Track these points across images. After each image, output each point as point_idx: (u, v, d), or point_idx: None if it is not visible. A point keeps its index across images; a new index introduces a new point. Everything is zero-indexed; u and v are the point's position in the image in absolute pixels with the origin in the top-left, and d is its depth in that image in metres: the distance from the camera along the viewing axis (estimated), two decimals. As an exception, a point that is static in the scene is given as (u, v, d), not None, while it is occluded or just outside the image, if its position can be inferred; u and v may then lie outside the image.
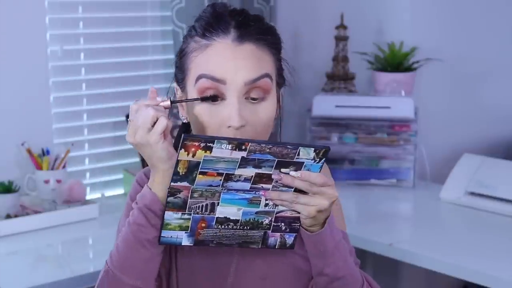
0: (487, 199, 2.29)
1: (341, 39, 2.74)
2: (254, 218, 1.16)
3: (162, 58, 2.54)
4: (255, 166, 1.10)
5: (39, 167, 2.23)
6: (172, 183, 1.10)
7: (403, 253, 2.01)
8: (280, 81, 1.26)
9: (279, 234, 1.18)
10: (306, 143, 1.15)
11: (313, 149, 1.10)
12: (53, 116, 2.34)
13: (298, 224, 1.18)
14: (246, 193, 1.13)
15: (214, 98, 1.17)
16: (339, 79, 2.74)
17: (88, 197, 2.32)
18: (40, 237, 2.05)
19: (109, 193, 2.44)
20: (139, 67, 2.51)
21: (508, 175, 2.32)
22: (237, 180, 1.11)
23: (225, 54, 1.18)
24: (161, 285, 1.25)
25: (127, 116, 2.45)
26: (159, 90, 1.22)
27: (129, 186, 2.27)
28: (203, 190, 1.11)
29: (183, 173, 1.09)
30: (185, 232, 1.14)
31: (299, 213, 1.16)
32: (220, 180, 1.10)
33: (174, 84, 1.27)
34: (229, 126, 1.16)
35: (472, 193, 2.33)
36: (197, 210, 1.13)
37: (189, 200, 1.12)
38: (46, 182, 2.22)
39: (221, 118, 1.17)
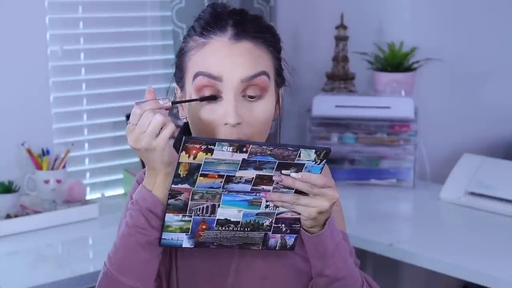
0: (487, 199, 2.29)
1: (341, 39, 2.74)
2: (255, 220, 1.16)
3: (162, 58, 2.54)
4: (256, 168, 1.10)
5: (39, 167, 2.23)
6: (172, 185, 1.10)
7: (403, 253, 2.01)
8: (279, 81, 1.26)
9: (279, 235, 1.18)
10: (307, 145, 1.15)
11: (314, 150, 1.10)
12: (53, 116, 2.34)
13: (299, 225, 1.18)
14: (246, 195, 1.13)
15: (213, 97, 1.18)
16: (339, 79, 2.74)
17: (88, 197, 2.32)
18: (40, 237, 2.05)
19: (109, 193, 2.44)
20: (139, 67, 2.51)
21: (508, 175, 2.32)
22: (238, 182, 1.11)
23: (222, 51, 1.18)
24: (161, 286, 1.25)
25: (127, 116, 2.46)
26: (159, 90, 1.23)
27: (129, 186, 2.27)
28: (204, 192, 1.11)
29: (184, 175, 1.09)
30: (186, 234, 1.14)
31: (299, 214, 1.16)
32: (221, 182, 1.10)
33: (174, 84, 1.28)
34: (226, 124, 1.17)
35: (472, 193, 2.33)
36: (198, 212, 1.13)
37: (189, 202, 1.12)
38: (46, 182, 2.22)
39: (218, 116, 1.17)
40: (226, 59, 1.17)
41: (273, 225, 1.17)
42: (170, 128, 1.11)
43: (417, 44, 2.75)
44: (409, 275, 2.85)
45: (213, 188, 1.11)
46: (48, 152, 2.27)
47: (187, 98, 1.21)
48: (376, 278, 1.35)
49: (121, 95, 2.46)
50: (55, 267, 1.92)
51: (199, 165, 1.08)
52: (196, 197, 1.12)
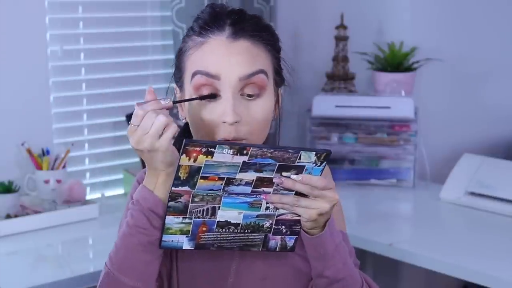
0: (487, 199, 2.29)
1: (341, 39, 2.74)
2: (255, 222, 1.16)
3: (162, 58, 2.54)
4: (256, 170, 1.10)
5: (39, 167, 2.23)
6: (173, 188, 1.10)
7: (403, 253, 2.01)
8: (279, 80, 1.26)
9: (279, 237, 1.18)
10: (307, 147, 1.15)
11: (314, 153, 1.10)
12: (53, 116, 2.34)
13: (299, 227, 1.18)
14: (247, 197, 1.13)
15: (213, 96, 1.18)
16: (339, 79, 2.74)
17: (88, 197, 2.32)
18: (40, 237, 2.05)
19: (109, 193, 2.44)
20: (139, 67, 2.51)
21: (508, 175, 2.32)
22: (238, 184, 1.11)
23: (219, 50, 1.18)
24: (162, 286, 1.25)
25: (127, 116, 2.46)
26: (159, 90, 1.23)
27: (129, 186, 2.27)
28: (204, 194, 1.11)
29: (184, 177, 1.09)
30: (186, 236, 1.14)
31: (299, 216, 1.16)
32: (221, 184, 1.10)
33: (174, 85, 1.28)
34: (224, 122, 1.17)
35: (472, 193, 2.33)
36: (198, 214, 1.13)
37: (190, 204, 1.12)
38: (46, 182, 2.22)
39: (217, 115, 1.18)
40: (223, 57, 1.18)
41: (273, 226, 1.17)
42: (173, 129, 1.11)
43: (417, 44, 2.75)
44: (409, 275, 2.85)
45: (214, 190, 1.11)
46: (48, 152, 2.27)
47: (187, 98, 1.21)
48: (376, 278, 1.36)
49: (121, 95, 2.46)
50: (55, 267, 1.92)
51: (199, 168, 1.08)
52: (196, 199, 1.12)
